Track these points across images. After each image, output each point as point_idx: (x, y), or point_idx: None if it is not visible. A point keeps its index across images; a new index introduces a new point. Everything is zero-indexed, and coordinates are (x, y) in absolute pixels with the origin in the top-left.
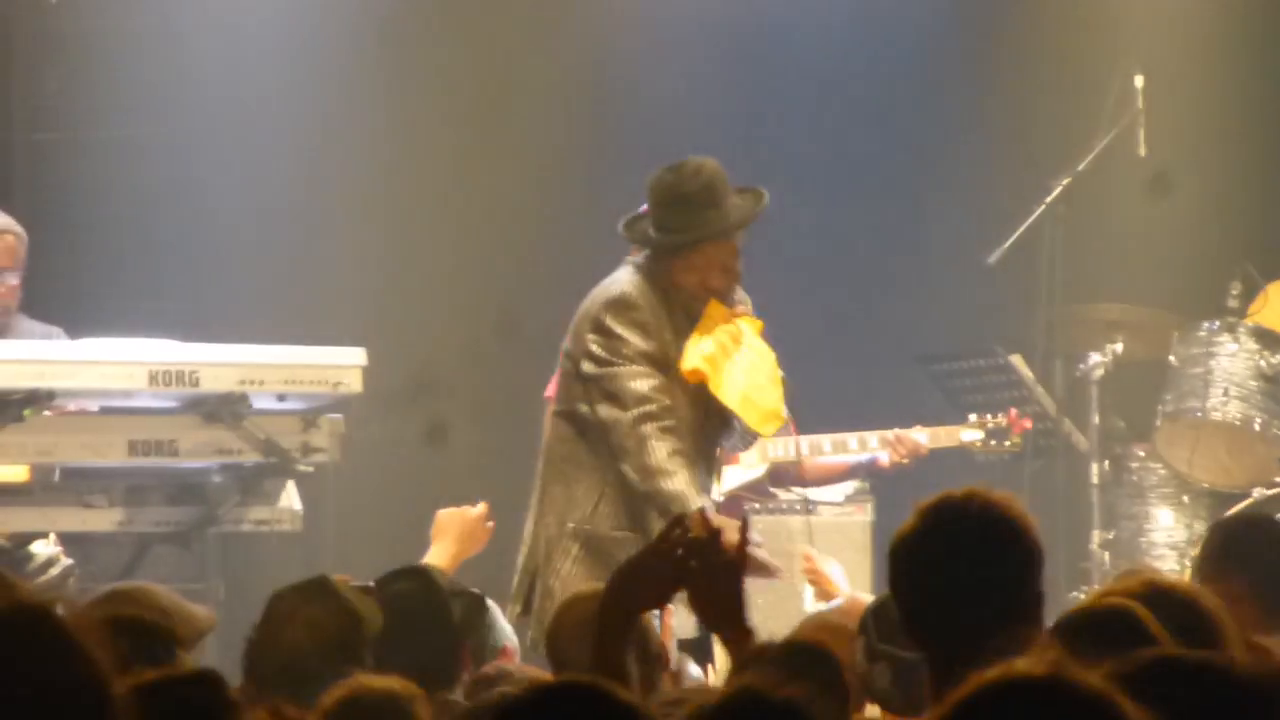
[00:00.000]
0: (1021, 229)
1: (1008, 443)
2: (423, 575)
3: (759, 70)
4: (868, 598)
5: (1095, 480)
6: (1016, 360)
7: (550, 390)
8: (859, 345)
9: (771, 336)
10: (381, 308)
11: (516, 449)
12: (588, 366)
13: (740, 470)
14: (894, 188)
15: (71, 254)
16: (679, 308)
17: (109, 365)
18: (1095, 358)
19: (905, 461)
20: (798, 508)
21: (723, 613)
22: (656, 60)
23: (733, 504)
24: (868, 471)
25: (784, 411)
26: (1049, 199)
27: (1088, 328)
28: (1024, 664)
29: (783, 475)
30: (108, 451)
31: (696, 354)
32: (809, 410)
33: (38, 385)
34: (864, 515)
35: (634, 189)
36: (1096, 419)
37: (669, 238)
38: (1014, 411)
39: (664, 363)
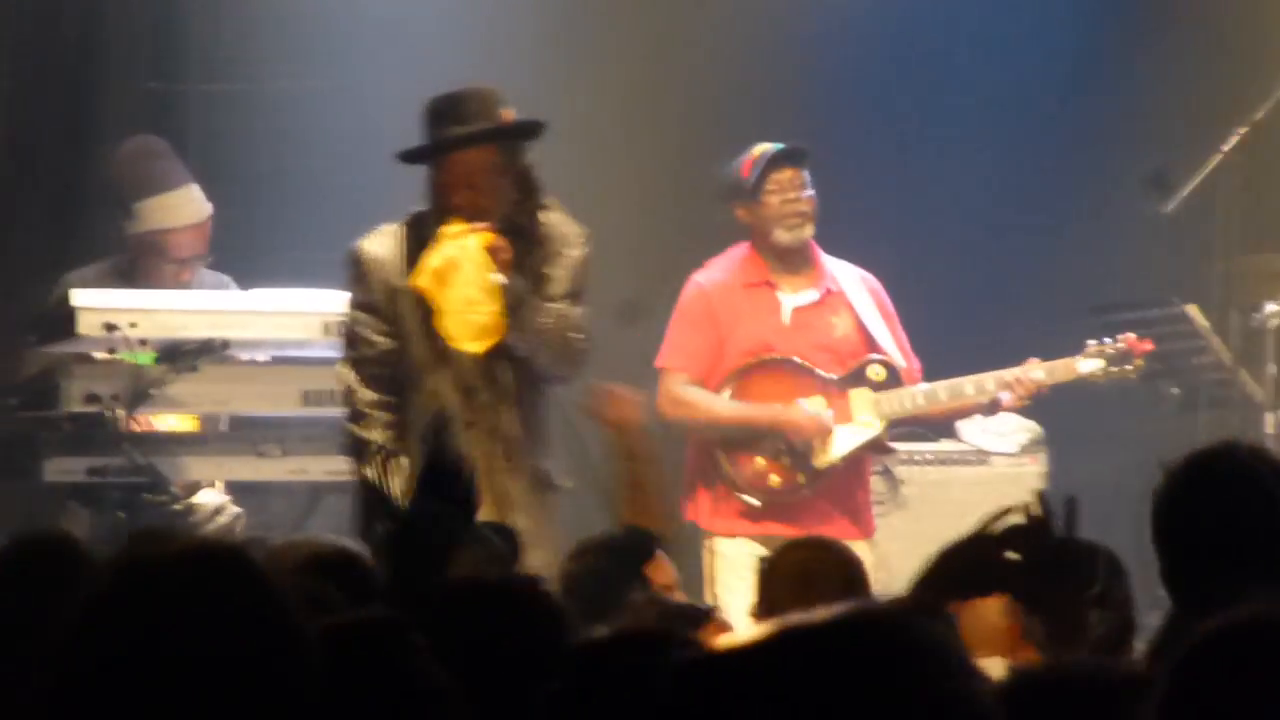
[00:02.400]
0: (1198, 178)
1: (1129, 367)
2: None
3: (918, 23)
4: None
5: (1270, 430)
6: (1192, 310)
7: (660, 360)
8: (1034, 295)
9: (946, 289)
10: None
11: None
12: None
13: (854, 429)
14: (1070, 138)
15: (245, 205)
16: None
17: (283, 315)
18: (1271, 307)
19: (1027, 402)
20: (970, 459)
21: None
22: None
23: (853, 464)
24: (990, 411)
25: (499, 326)
26: (1225, 148)
27: (1263, 277)
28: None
29: (910, 419)
30: (282, 401)
31: (422, 272)
32: (985, 362)
33: (211, 335)
34: (1038, 466)
35: None
36: (1272, 369)
37: (411, 150)
38: (1133, 335)
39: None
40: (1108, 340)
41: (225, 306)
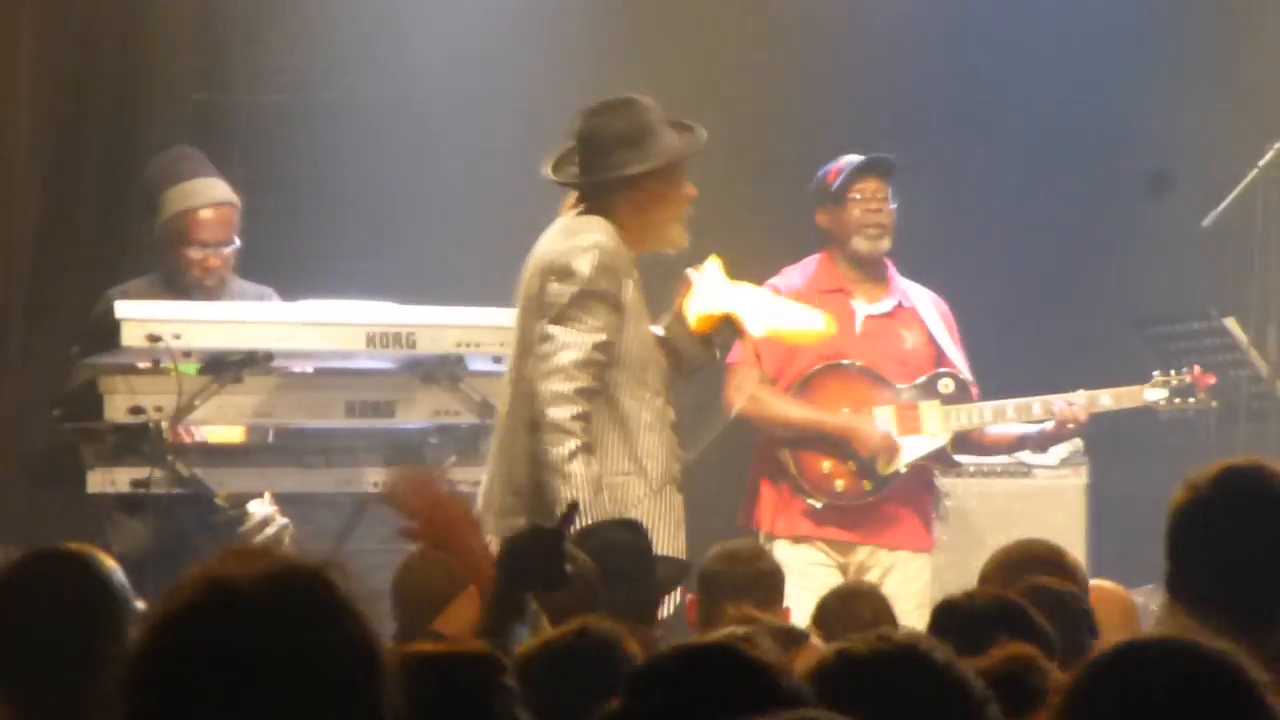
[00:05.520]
0: (1236, 192)
1: (1192, 399)
2: (637, 528)
3: (965, 42)
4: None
5: None
6: (1231, 323)
7: (732, 357)
8: (1074, 308)
9: (987, 301)
10: None
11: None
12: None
13: (923, 440)
14: (1109, 151)
15: (290, 216)
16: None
17: (327, 327)
18: None
19: (1070, 428)
20: (1012, 470)
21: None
22: (863, 41)
23: (918, 474)
24: (1036, 443)
25: None
26: (1264, 162)
27: None
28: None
29: (964, 444)
30: (325, 413)
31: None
32: (1026, 375)
33: (255, 347)
34: (1079, 479)
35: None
36: None
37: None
38: (1198, 368)
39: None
40: (1173, 371)
41: (269, 317)
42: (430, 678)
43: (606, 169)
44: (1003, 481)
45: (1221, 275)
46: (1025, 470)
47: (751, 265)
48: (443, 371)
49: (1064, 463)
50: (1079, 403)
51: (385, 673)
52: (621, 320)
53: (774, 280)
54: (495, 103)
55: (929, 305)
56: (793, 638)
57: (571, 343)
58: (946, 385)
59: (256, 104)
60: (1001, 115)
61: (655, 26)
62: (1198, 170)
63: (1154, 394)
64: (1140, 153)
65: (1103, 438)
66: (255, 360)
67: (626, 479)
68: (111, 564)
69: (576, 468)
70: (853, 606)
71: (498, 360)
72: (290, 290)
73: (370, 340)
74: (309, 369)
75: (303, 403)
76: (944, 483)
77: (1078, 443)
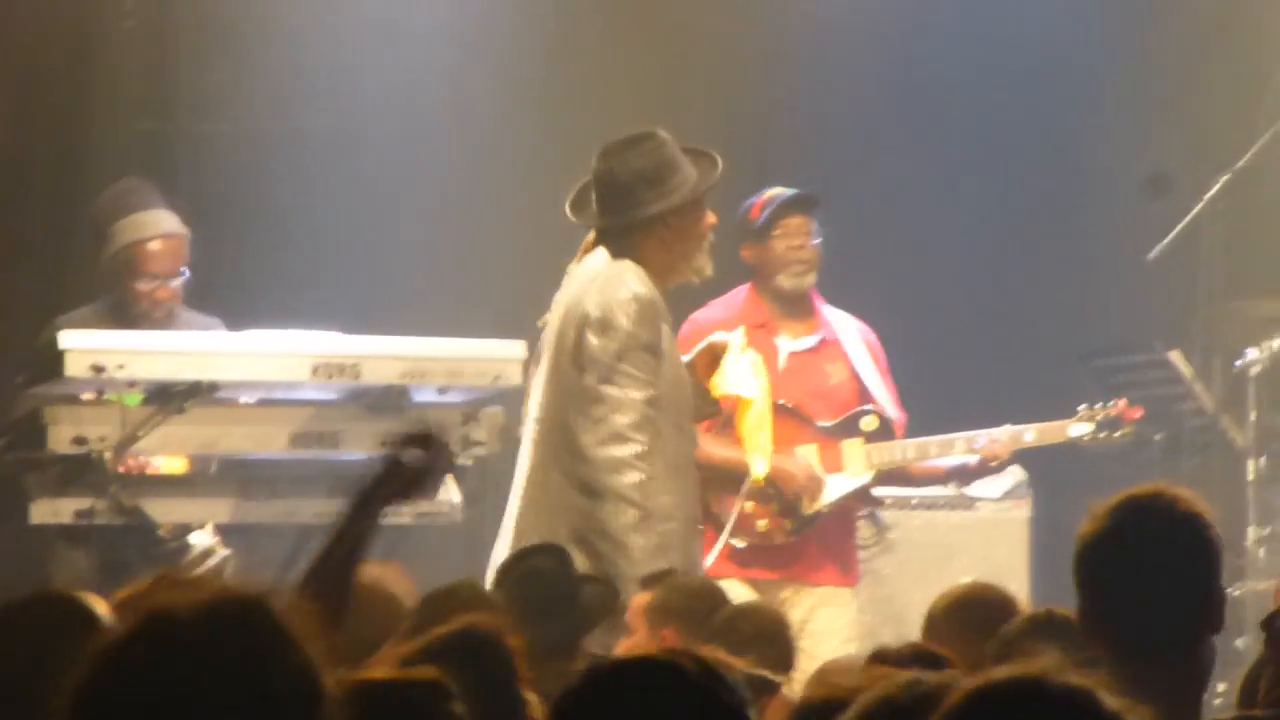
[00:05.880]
0: (1182, 225)
1: (1119, 434)
2: (560, 554)
3: (910, 71)
4: None
5: (1251, 477)
6: (1175, 356)
7: None
8: (1019, 341)
9: (931, 333)
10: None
11: None
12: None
13: (845, 479)
14: (1054, 184)
15: (235, 245)
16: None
17: (271, 357)
18: (1253, 353)
19: (993, 464)
20: (956, 503)
21: None
22: (812, 62)
23: (840, 511)
24: (960, 476)
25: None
26: (1209, 195)
27: (1246, 323)
28: (1008, 669)
29: (895, 474)
30: (269, 443)
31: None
32: (968, 407)
33: (200, 377)
34: (1022, 511)
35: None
36: (1254, 415)
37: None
38: (1124, 401)
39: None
40: (1099, 405)
41: (214, 348)
42: (377, 706)
43: (631, 209)
44: (946, 514)
45: (1167, 308)
46: (969, 503)
47: (675, 297)
48: (387, 402)
49: (1007, 495)
50: (1002, 439)
51: (327, 702)
52: (661, 366)
53: (698, 313)
54: (441, 132)
55: (854, 337)
56: (764, 685)
57: (625, 403)
58: (869, 422)
59: (203, 134)
60: (945, 146)
61: (597, 59)
62: (1144, 203)
63: (1079, 429)
64: (1085, 185)
65: (1046, 471)
66: (199, 391)
67: (670, 527)
68: (102, 608)
69: (637, 540)
70: (736, 624)
71: (442, 391)
72: (237, 320)
73: (315, 371)
74: (254, 399)
75: (247, 433)
76: (887, 514)
77: (1021, 475)
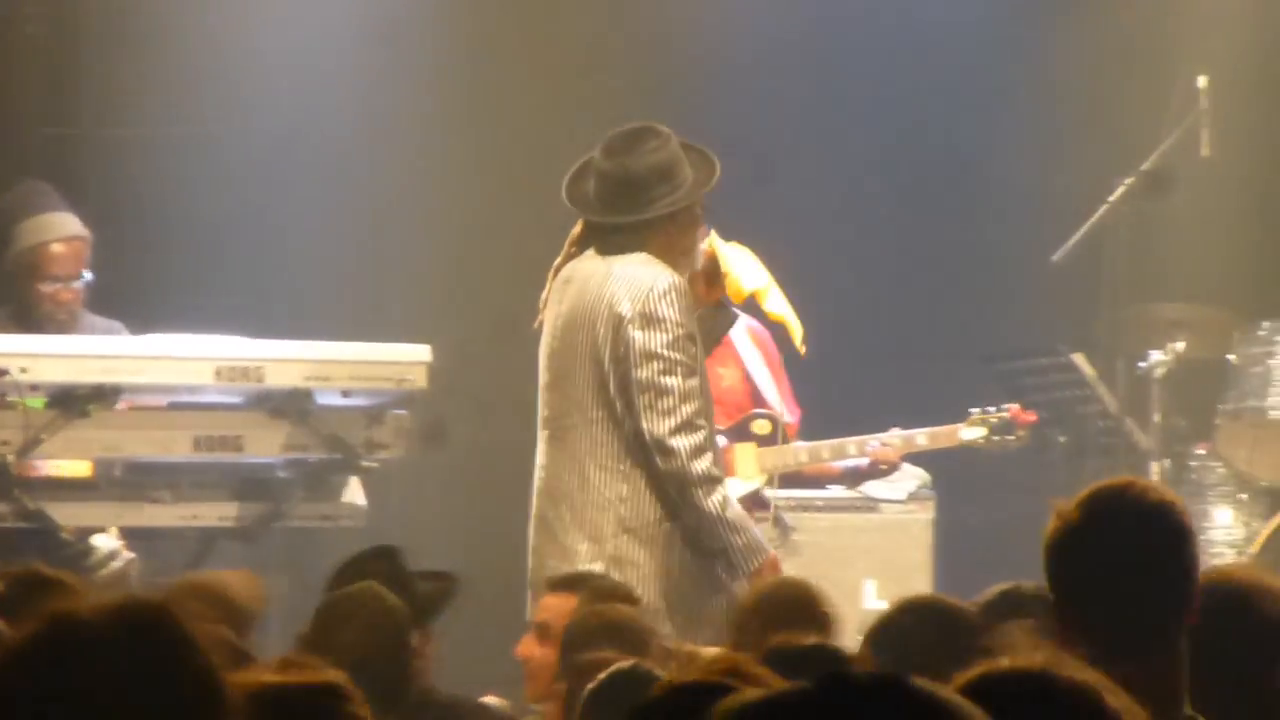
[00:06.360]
0: (1085, 228)
1: (1012, 437)
2: (393, 555)
3: (816, 73)
4: None
5: (1156, 478)
6: (1079, 359)
7: None
8: (923, 344)
9: (837, 335)
10: (456, 304)
11: None
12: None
13: (738, 483)
14: (959, 187)
15: (139, 250)
16: None
17: (175, 361)
18: (1157, 356)
19: (884, 467)
20: (859, 506)
21: None
22: (703, 63)
23: None
24: (853, 478)
25: None
26: (1113, 198)
27: (1150, 327)
28: (1016, 659)
29: (790, 476)
30: (173, 447)
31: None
32: (871, 409)
33: (103, 380)
34: (926, 514)
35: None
36: (1157, 417)
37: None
38: (1017, 405)
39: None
40: (991, 409)
41: (116, 351)
42: (276, 709)
43: (646, 205)
44: (850, 516)
45: (1071, 311)
46: (872, 505)
47: None
48: (291, 406)
49: (911, 497)
50: (894, 443)
51: (229, 707)
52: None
53: None
54: (346, 135)
55: (746, 339)
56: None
57: (688, 392)
58: (761, 426)
59: (105, 138)
60: (848, 149)
61: (499, 56)
62: (1048, 206)
63: (970, 433)
64: (989, 188)
65: (950, 473)
66: (103, 394)
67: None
68: None
69: (732, 513)
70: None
71: (346, 395)
72: (140, 324)
73: (218, 374)
74: (159, 402)
75: (150, 437)
76: (791, 517)
77: (925, 478)
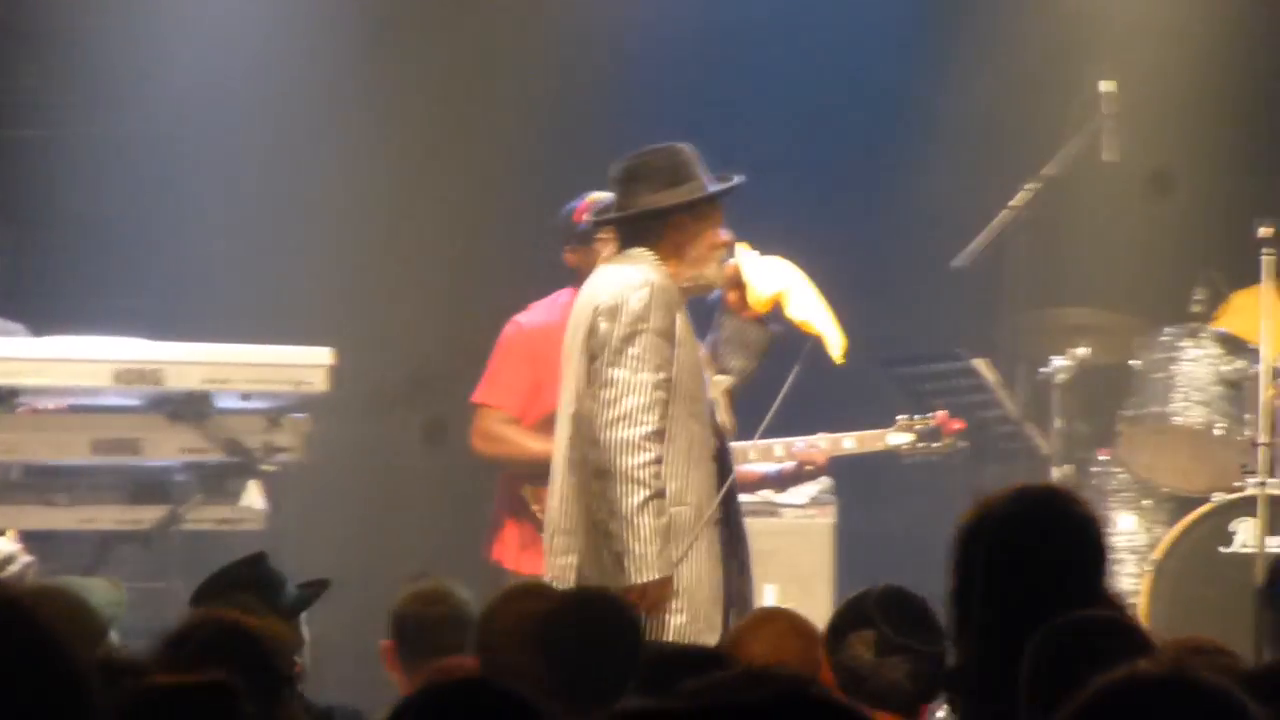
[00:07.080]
0: (986, 232)
1: (937, 444)
2: (258, 561)
3: (718, 74)
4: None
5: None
6: (980, 364)
7: (477, 396)
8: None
9: None
10: (357, 308)
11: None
12: None
13: None
14: (859, 190)
15: (42, 251)
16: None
17: (74, 363)
18: (1059, 361)
19: (809, 469)
20: (760, 510)
21: None
22: (627, 62)
23: None
24: (776, 483)
25: None
26: (1014, 202)
27: (1052, 332)
28: (1146, 664)
29: None
30: (71, 450)
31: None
32: (776, 412)
33: (1, 383)
34: (827, 518)
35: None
36: (1059, 423)
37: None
38: (944, 412)
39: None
40: (919, 416)
41: (14, 354)
42: (164, 708)
43: (643, 196)
44: (751, 521)
45: (973, 316)
46: (773, 510)
47: (494, 303)
48: (189, 409)
49: (812, 502)
50: (820, 445)
51: (91, 704)
52: (675, 352)
53: (519, 316)
54: (248, 139)
55: None
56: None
57: (634, 385)
58: None
59: (8, 138)
60: (751, 150)
61: (408, 58)
62: (948, 211)
63: (897, 438)
64: (890, 192)
65: (850, 477)
66: (1, 397)
67: (679, 510)
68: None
69: (646, 520)
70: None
71: (246, 397)
72: (42, 326)
73: (117, 377)
74: (59, 405)
75: (48, 440)
76: None
77: (826, 482)
